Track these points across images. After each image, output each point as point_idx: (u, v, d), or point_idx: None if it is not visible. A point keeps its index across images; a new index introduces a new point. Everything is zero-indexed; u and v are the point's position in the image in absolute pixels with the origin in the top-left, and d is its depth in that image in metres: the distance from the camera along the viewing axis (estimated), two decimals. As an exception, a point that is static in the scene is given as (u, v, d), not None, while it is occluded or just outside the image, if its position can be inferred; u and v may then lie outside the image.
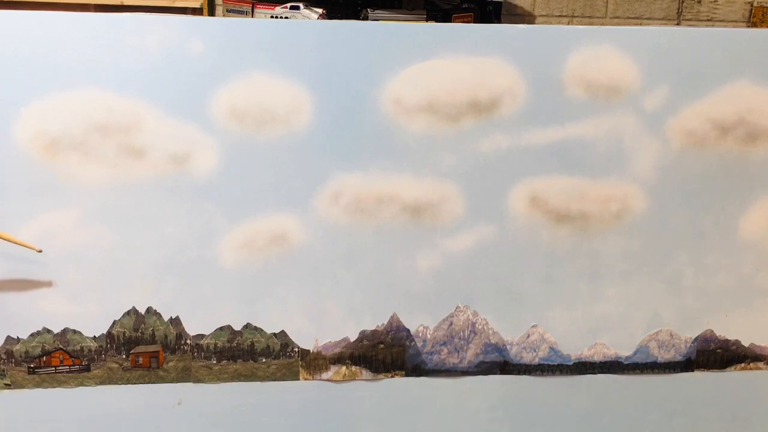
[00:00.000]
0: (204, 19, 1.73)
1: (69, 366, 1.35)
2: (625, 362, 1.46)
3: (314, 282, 1.37)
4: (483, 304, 1.41)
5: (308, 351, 1.40)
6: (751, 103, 1.37)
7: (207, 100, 1.28)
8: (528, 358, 1.44)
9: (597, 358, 1.45)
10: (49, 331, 1.33)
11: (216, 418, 1.41)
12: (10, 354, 1.33)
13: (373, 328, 1.41)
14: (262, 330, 1.38)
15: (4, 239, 1.25)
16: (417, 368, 1.43)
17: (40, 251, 1.27)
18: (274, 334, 1.38)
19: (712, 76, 1.36)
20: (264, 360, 1.39)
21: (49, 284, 1.31)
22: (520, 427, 1.47)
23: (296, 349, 1.39)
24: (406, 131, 1.33)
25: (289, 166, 1.32)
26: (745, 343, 1.48)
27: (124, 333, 1.35)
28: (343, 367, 1.41)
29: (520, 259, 1.40)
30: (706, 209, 1.41)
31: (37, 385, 1.35)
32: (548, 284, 1.42)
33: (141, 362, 1.37)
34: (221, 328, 1.37)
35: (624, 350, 1.46)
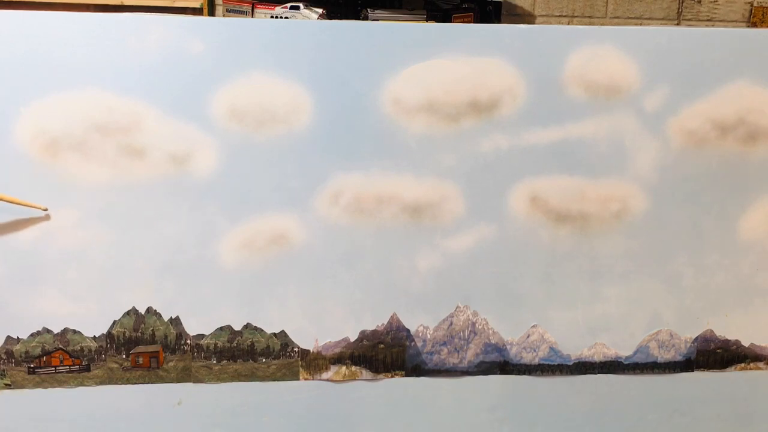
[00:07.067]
0: (204, 19, 1.73)
1: (69, 366, 1.35)
2: (625, 362, 1.46)
3: (314, 282, 1.37)
4: (483, 304, 1.41)
5: (308, 351, 1.40)
6: (751, 103, 1.37)
7: (207, 100, 1.28)
8: (528, 358, 1.44)
9: (597, 358, 1.45)
10: (49, 331, 1.33)
11: (216, 418, 1.41)
12: (10, 354, 1.33)
13: (373, 328, 1.41)
14: (262, 330, 1.38)
15: (7, 201, 1.25)
16: (417, 368, 1.43)
17: (46, 210, 1.26)
18: (274, 334, 1.38)
19: (712, 76, 1.36)
20: (264, 360, 1.39)
21: (49, 284, 1.31)
22: (520, 427, 1.47)
23: (296, 349, 1.39)
24: (406, 131, 1.33)
25: (289, 166, 1.32)
26: (745, 343, 1.48)
27: (124, 333, 1.35)
28: (343, 367, 1.41)
29: (520, 259, 1.40)
30: (706, 209, 1.41)
31: (37, 385, 1.35)
32: (548, 284, 1.42)
33: (141, 362, 1.37)
34: (221, 328, 1.37)
35: (624, 350, 1.46)
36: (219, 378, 1.39)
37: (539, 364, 1.45)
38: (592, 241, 1.40)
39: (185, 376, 1.38)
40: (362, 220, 1.36)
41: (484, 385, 1.45)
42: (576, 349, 1.45)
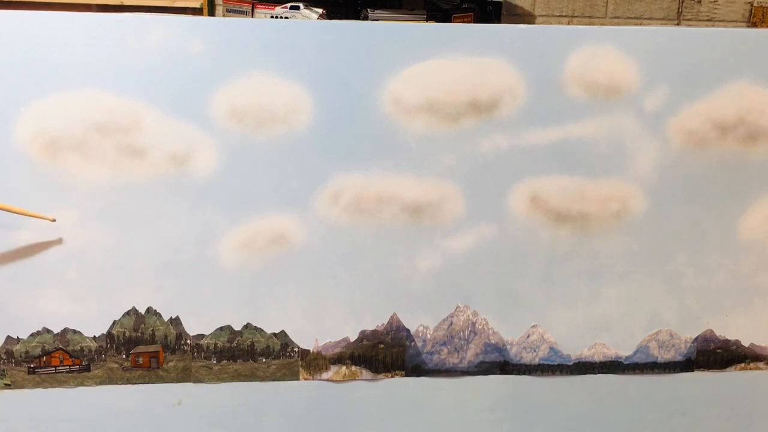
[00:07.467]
0: (204, 19, 1.74)
1: (69, 366, 1.35)
2: (625, 362, 1.46)
3: (314, 282, 1.37)
4: (483, 304, 1.41)
5: (308, 351, 1.40)
6: (751, 103, 1.37)
7: (207, 100, 1.28)
8: (528, 358, 1.44)
9: (597, 358, 1.45)
10: (49, 331, 1.33)
11: (216, 418, 1.41)
12: (10, 354, 1.33)
13: (373, 328, 1.41)
14: (262, 330, 1.38)
15: (16, 212, 1.25)
16: (417, 368, 1.43)
17: (54, 220, 1.26)
18: (274, 334, 1.38)
19: (712, 76, 1.36)
20: (264, 360, 1.39)
21: (49, 284, 1.31)
22: (520, 427, 1.47)
23: (296, 349, 1.39)
24: (406, 131, 1.33)
25: (289, 166, 1.32)
26: (745, 343, 1.48)
27: (124, 333, 1.35)
28: (343, 367, 1.41)
29: (520, 259, 1.40)
30: (706, 209, 1.41)
31: (37, 385, 1.35)
32: (548, 284, 1.42)
33: (141, 362, 1.37)
34: (221, 328, 1.37)
35: (624, 350, 1.46)
36: (219, 378, 1.39)
37: (539, 364, 1.45)
38: (592, 241, 1.40)
39: (185, 376, 1.38)
40: (362, 220, 1.36)
41: (484, 385, 1.45)
42: (576, 349, 1.45)
